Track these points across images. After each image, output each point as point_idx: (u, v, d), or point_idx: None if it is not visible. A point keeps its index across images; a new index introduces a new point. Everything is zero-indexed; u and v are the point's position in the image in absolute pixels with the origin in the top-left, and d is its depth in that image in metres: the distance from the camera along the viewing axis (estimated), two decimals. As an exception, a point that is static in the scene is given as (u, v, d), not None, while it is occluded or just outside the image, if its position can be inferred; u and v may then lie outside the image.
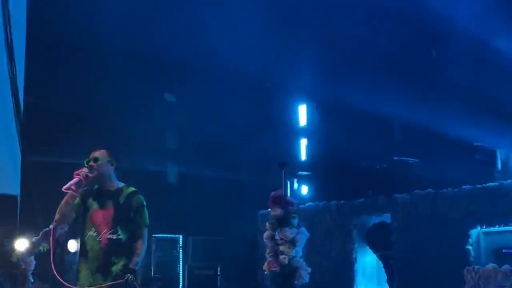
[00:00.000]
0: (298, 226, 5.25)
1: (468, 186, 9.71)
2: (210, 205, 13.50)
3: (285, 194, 5.20)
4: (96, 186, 5.23)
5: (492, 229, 9.51)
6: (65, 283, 4.93)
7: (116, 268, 4.98)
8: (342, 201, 11.40)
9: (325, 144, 12.77)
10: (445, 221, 9.83)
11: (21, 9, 11.43)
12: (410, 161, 10.69)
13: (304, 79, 12.96)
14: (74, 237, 10.49)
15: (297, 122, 13.54)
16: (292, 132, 13.51)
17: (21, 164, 11.97)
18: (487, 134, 9.73)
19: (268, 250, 5.23)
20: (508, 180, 9.29)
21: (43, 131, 12.29)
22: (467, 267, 8.49)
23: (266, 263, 5.20)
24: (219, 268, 13.19)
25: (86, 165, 5.09)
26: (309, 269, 5.02)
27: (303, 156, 13.48)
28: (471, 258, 9.37)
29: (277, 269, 5.13)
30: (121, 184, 5.30)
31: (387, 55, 11.53)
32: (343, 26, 12.11)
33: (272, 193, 5.26)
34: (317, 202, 11.87)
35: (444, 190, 9.95)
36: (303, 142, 13.48)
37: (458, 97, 10.32)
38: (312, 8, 12.95)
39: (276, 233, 5.17)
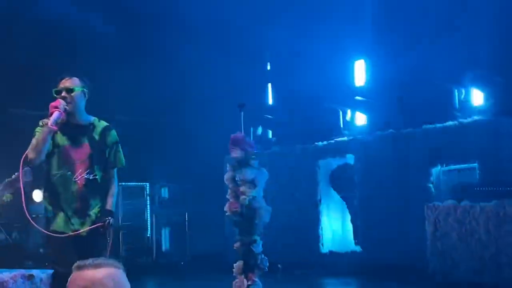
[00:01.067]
0: (259, 167, 5.29)
1: (428, 126, 9.87)
2: (176, 152, 13.50)
3: (245, 136, 5.23)
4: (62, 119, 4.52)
5: (452, 167, 9.73)
6: (40, 229, 4.57)
7: (93, 211, 4.56)
8: (307, 144, 11.50)
9: (290, 88, 12.78)
10: (406, 160, 10.01)
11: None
12: (370, 101, 10.80)
13: (271, 22, 12.83)
14: (39, 187, 10.44)
15: (265, 66, 13.51)
16: (259, 77, 13.48)
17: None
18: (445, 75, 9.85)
19: (229, 192, 5.28)
20: (467, 119, 9.47)
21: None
22: (427, 203, 8.71)
23: (227, 204, 5.25)
24: (186, 215, 13.29)
25: (56, 96, 4.50)
26: (270, 209, 5.08)
27: (270, 101, 13.51)
28: (432, 196, 9.60)
29: (237, 209, 5.17)
30: (92, 118, 4.71)
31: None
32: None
33: (232, 135, 5.28)
34: (282, 146, 11.97)
35: (405, 130, 10.10)
36: (270, 87, 13.49)
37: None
38: None
39: (236, 174, 5.19)
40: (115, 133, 4.70)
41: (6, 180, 8.96)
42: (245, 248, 5.30)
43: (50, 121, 4.33)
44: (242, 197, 5.14)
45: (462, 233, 8.18)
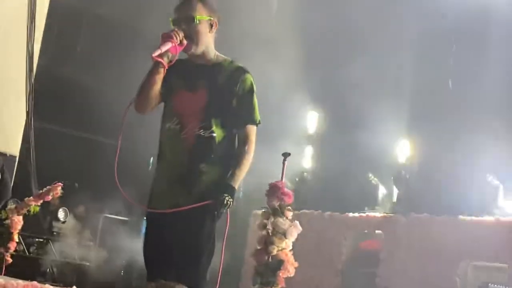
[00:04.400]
0: (292, 220, 5.19)
1: (464, 216, 9.66)
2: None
3: (284, 185, 5.15)
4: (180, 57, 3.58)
5: (481, 263, 9.46)
6: (134, 202, 3.67)
7: (205, 179, 3.51)
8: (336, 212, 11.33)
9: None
10: (436, 249, 9.76)
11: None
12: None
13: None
14: (65, 205, 10.42)
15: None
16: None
17: (24, 126, 11.89)
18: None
19: (258, 239, 5.17)
20: (505, 216, 9.26)
21: (51, 96, 12.25)
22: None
23: (254, 251, 5.13)
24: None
25: (173, 27, 3.50)
26: (296, 264, 4.94)
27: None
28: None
29: (264, 260, 5.04)
30: (222, 57, 3.66)
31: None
32: None
33: (272, 182, 5.21)
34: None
35: (440, 216, 9.90)
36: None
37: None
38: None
39: (269, 223, 5.09)
40: (251, 78, 3.60)
41: (37, 193, 8.94)
42: (264, 299, 5.16)
43: (156, 52, 3.39)
44: (271, 246, 5.04)
45: (485, 332, 7.91)
